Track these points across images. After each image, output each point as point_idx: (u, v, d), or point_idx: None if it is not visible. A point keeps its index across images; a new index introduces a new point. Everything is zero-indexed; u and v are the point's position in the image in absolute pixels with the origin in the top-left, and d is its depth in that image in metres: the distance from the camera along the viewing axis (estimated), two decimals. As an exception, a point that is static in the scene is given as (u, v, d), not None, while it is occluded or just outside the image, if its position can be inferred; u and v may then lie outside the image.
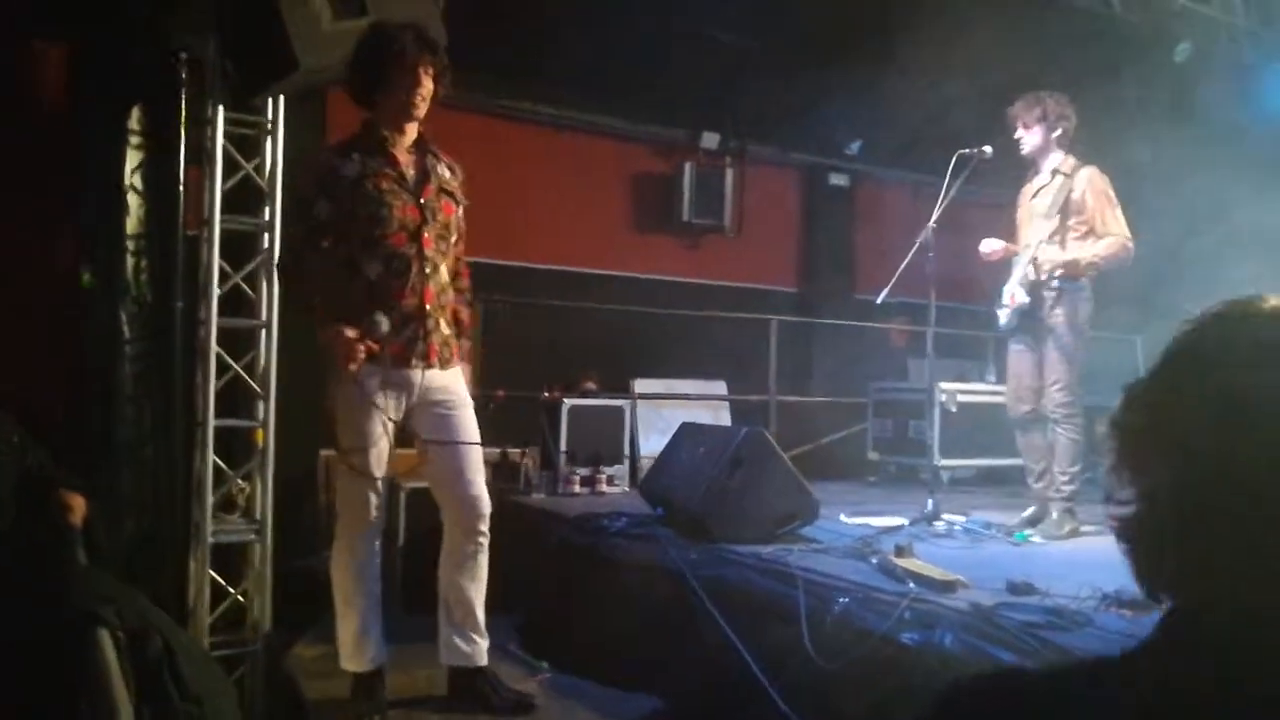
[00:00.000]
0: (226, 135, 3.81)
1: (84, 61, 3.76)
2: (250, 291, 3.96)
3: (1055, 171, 3.98)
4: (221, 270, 3.85)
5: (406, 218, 2.77)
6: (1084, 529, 3.93)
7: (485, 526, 2.85)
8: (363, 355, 2.64)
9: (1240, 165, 5.36)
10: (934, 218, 4.09)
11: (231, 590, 3.90)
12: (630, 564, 3.53)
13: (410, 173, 2.82)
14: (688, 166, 6.80)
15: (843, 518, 4.12)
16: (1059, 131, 3.97)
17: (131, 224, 3.72)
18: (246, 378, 3.93)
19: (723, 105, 6.74)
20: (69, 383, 3.76)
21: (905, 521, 3.99)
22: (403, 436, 2.88)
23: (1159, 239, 4.03)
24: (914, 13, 5.00)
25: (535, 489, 4.85)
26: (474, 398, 2.95)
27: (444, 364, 2.83)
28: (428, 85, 2.77)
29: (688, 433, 4.17)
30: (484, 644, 2.87)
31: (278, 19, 3.17)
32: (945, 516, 4.00)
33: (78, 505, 2.88)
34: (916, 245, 4.11)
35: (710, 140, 6.87)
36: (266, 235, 3.94)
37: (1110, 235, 3.88)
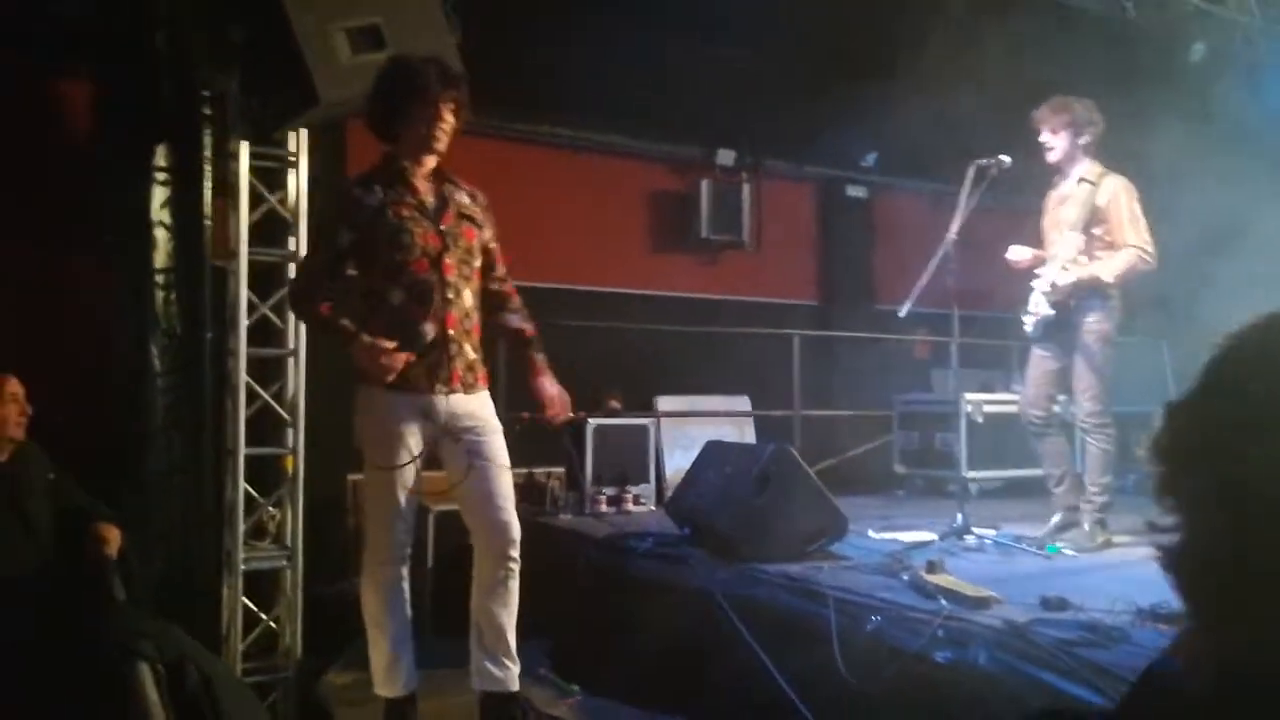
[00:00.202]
0: (251, 169, 3.88)
1: (109, 98, 3.85)
2: (278, 321, 4.02)
3: (1082, 180, 3.90)
4: (249, 301, 3.90)
5: (428, 244, 2.79)
6: (1116, 540, 3.89)
7: (516, 552, 2.85)
8: (400, 363, 2.66)
9: (1260, 165, 5.31)
10: (954, 229, 4.07)
11: (264, 617, 3.93)
12: (659, 585, 3.53)
13: (430, 200, 2.85)
14: (705, 183, 6.82)
15: (871, 533, 4.10)
16: (1086, 138, 3.89)
17: (160, 258, 3.80)
18: (275, 406, 3.98)
19: (737, 122, 6.76)
20: (101, 415, 3.82)
21: (935, 536, 3.95)
22: (430, 460, 2.89)
23: (1180, 243, 3.98)
24: (926, 22, 5.00)
25: (562, 510, 4.86)
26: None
27: (468, 388, 2.85)
28: (449, 119, 2.81)
29: (714, 451, 4.17)
30: (515, 669, 2.87)
31: (298, 54, 3.22)
32: (975, 530, 3.96)
33: (113, 537, 2.93)
34: (938, 258, 4.08)
35: (726, 157, 6.90)
36: (292, 265, 3.99)
37: (1126, 247, 3.81)
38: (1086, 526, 3.87)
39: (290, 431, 4.00)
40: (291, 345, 4.01)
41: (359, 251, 2.80)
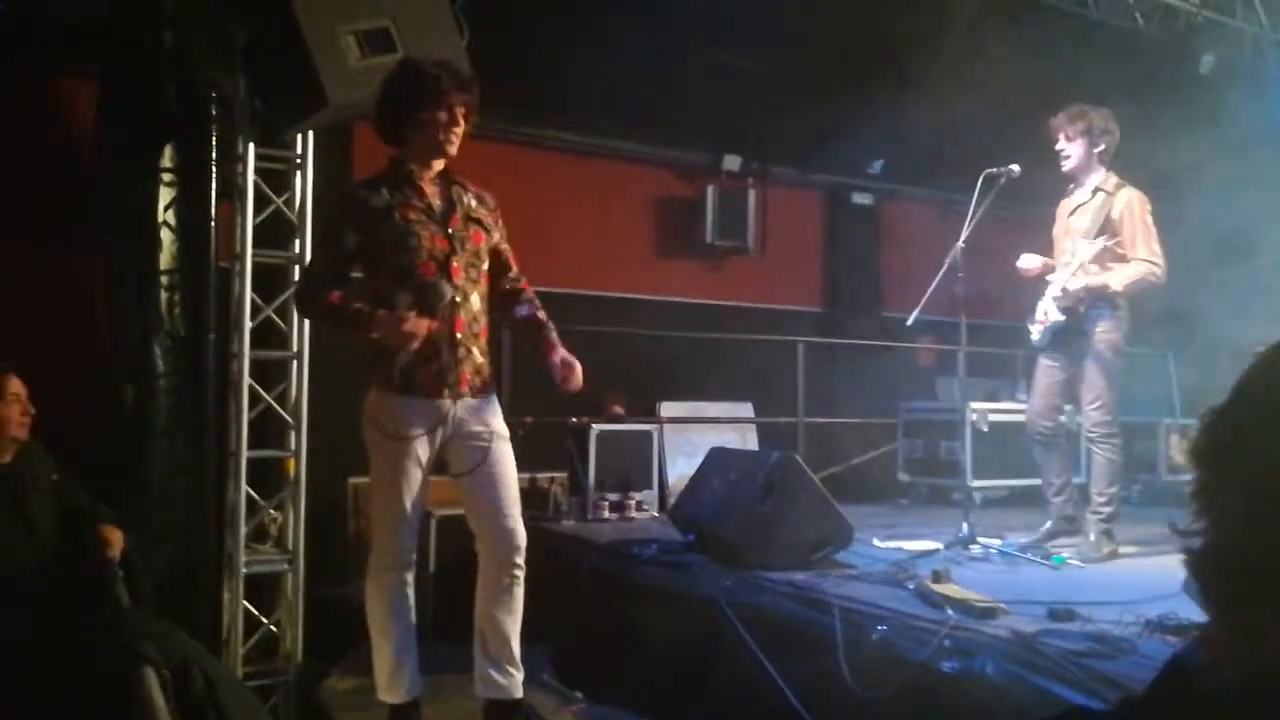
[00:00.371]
0: (257, 171, 3.88)
1: (114, 99, 3.84)
2: (281, 323, 4.01)
3: (1098, 189, 3.91)
4: (253, 303, 3.90)
5: (435, 248, 2.78)
6: (1123, 550, 3.87)
7: (521, 560, 2.84)
8: (424, 329, 2.64)
9: (1269, 176, 5.30)
10: (963, 237, 4.06)
11: (264, 620, 3.92)
12: (662, 592, 3.51)
13: (437, 203, 2.83)
14: (710, 189, 6.82)
15: (876, 542, 4.08)
16: (1102, 147, 3.88)
17: (164, 259, 3.79)
18: (278, 408, 3.97)
19: (744, 127, 6.76)
20: (103, 416, 3.81)
21: (940, 546, 3.94)
22: (437, 465, 2.88)
23: (1188, 253, 3.97)
24: (935, 29, 4.99)
25: (565, 515, 4.84)
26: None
27: (475, 393, 2.83)
28: (461, 123, 2.79)
29: (718, 458, 4.15)
30: (519, 676, 2.85)
31: (307, 56, 3.22)
32: (981, 540, 3.94)
33: (116, 539, 2.92)
34: (946, 266, 4.07)
35: (732, 163, 6.89)
36: (297, 268, 3.99)
37: (1137, 260, 3.81)
38: (1093, 537, 3.86)
39: (293, 434, 3.99)
40: (295, 348, 4.00)
41: (365, 254, 2.79)
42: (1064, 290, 3.84)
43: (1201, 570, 0.79)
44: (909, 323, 4.19)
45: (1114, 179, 3.93)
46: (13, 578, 2.67)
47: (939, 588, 2.90)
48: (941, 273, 4.09)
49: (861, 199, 7.47)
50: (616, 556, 3.90)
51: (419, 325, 2.64)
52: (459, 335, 2.79)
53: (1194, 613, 2.53)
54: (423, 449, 2.76)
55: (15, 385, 2.95)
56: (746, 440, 6.36)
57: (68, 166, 4.25)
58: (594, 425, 5.00)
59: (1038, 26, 5.10)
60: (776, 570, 3.31)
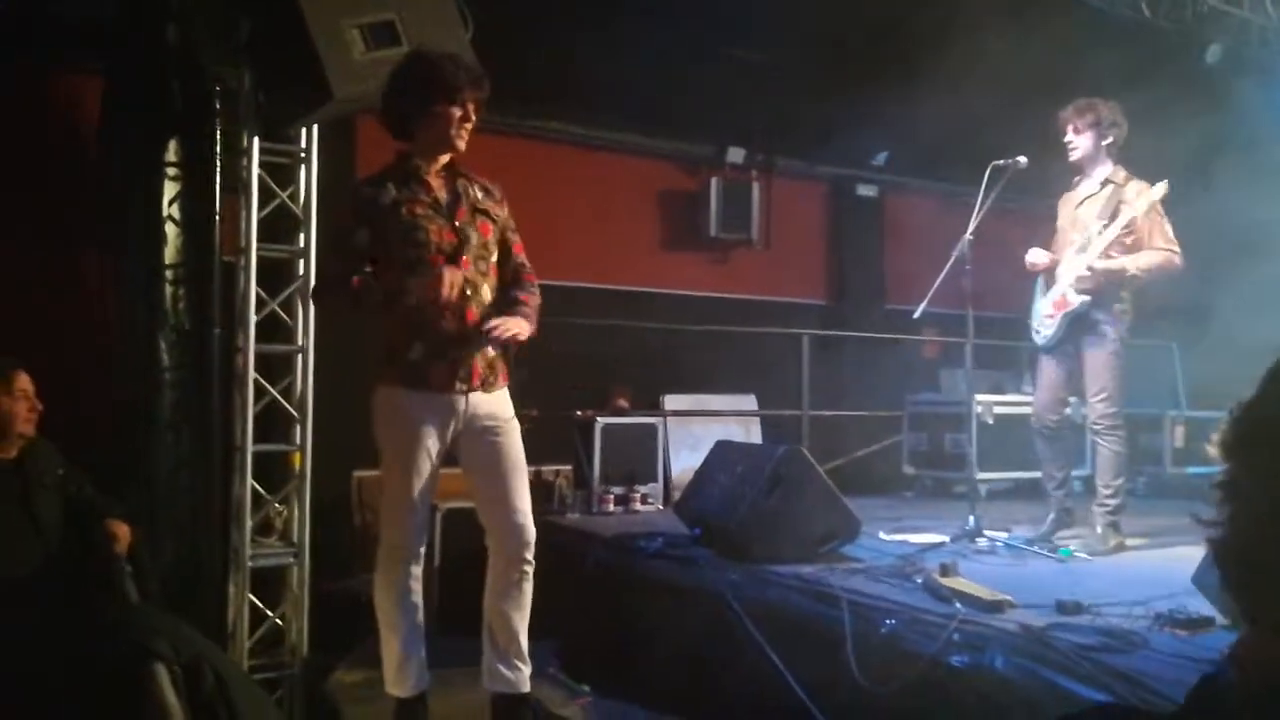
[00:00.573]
0: (261, 164, 3.86)
1: (118, 94, 3.83)
2: (286, 317, 4.00)
3: (1107, 181, 3.92)
4: (258, 297, 3.88)
5: (443, 241, 2.76)
6: (1129, 543, 3.87)
7: (530, 554, 2.83)
8: (460, 278, 2.63)
9: (1275, 167, 5.27)
10: (970, 230, 4.05)
11: (270, 614, 3.92)
12: (669, 585, 3.51)
13: (443, 196, 2.82)
14: (714, 181, 6.80)
15: (882, 535, 4.08)
16: (1110, 139, 3.91)
17: (169, 253, 3.78)
18: (284, 402, 3.96)
19: (748, 120, 6.73)
20: (109, 411, 3.81)
21: (946, 538, 3.94)
22: (447, 459, 2.87)
23: (1193, 245, 3.96)
24: (939, 21, 4.97)
25: (570, 508, 4.85)
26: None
27: (488, 387, 2.82)
28: (472, 118, 2.78)
29: (724, 451, 4.14)
30: (527, 671, 2.86)
31: (311, 50, 3.20)
32: (987, 532, 3.94)
33: (123, 534, 2.92)
34: (953, 258, 4.07)
35: (736, 155, 6.87)
36: (302, 262, 3.98)
37: (1158, 249, 3.83)
38: (1099, 529, 3.86)
39: (298, 428, 3.98)
40: (300, 342, 4.00)
41: (375, 251, 2.78)
42: (1090, 269, 3.82)
43: (1223, 559, 0.80)
44: (916, 315, 4.19)
45: (1122, 171, 3.94)
46: (20, 573, 2.67)
47: (947, 581, 2.90)
48: (949, 265, 4.08)
49: (866, 191, 7.45)
50: (622, 550, 3.90)
51: (453, 272, 2.62)
52: (470, 328, 2.77)
53: (1204, 606, 2.55)
54: (434, 443, 2.75)
55: (23, 380, 2.95)
56: (750, 433, 6.36)
57: (72, 163, 4.24)
58: (599, 418, 4.99)
59: (1043, 17, 5.07)
60: (783, 564, 3.32)
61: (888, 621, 2.70)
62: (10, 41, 4.15)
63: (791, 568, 3.27)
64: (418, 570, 2.85)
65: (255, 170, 3.84)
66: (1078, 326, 3.89)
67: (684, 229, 6.88)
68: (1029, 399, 4.49)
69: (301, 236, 3.99)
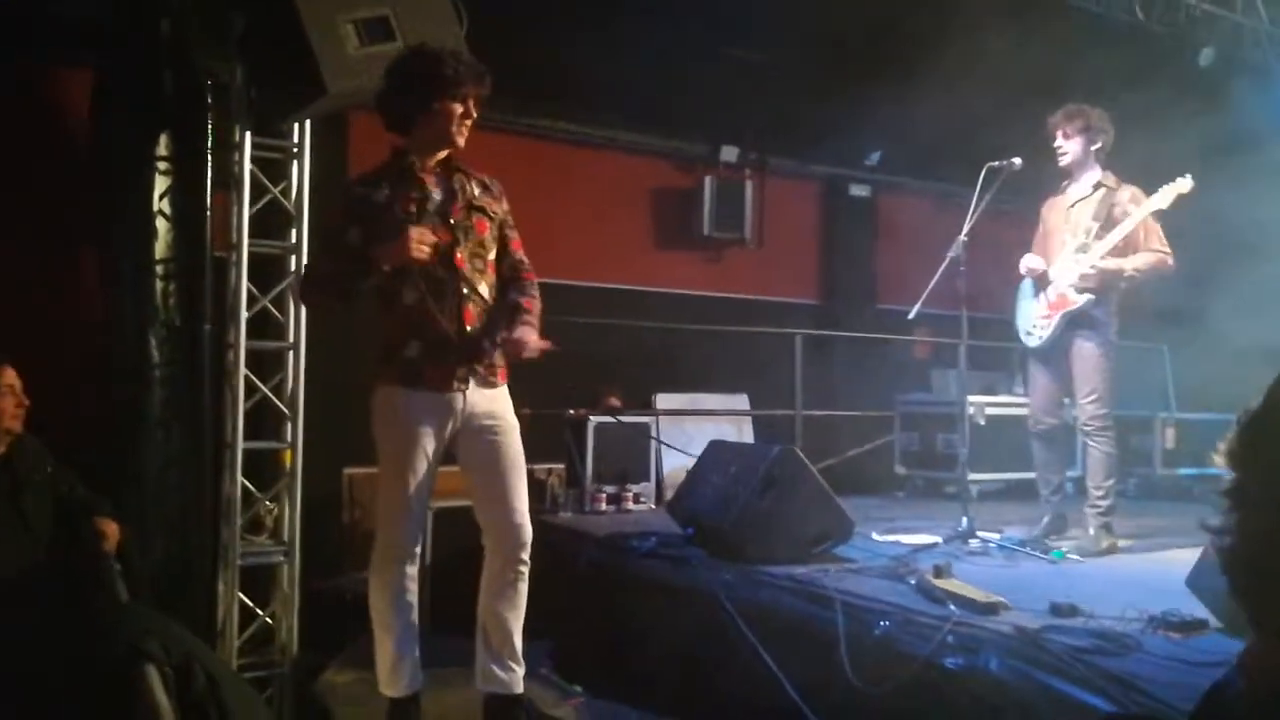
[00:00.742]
0: (253, 160, 3.84)
1: (110, 87, 3.79)
2: (278, 313, 3.97)
3: (1099, 185, 3.97)
4: (249, 293, 3.86)
5: (438, 239, 2.74)
6: (1121, 544, 3.88)
7: (526, 555, 2.82)
8: (431, 241, 2.60)
9: (1266, 171, 5.30)
10: (965, 231, 4.06)
11: (260, 612, 3.90)
12: (662, 586, 3.50)
13: (436, 194, 2.80)
14: (708, 180, 6.78)
15: (874, 535, 4.08)
16: (1099, 144, 3.97)
17: (160, 248, 3.74)
18: (274, 399, 3.94)
19: (742, 119, 6.72)
20: (98, 407, 3.78)
21: (939, 539, 3.94)
22: (444, 457, 2.85)
23: (1184, 248, 3.99)
24: (934, 23, 4.97)
25: (562, 508, 4.83)
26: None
27: (486, 384, 2.80)
28: (473, 115, 2.76)
29: (717, 451, 4.14)
30: (521, 671, 2.84)
31: (305, 45, 3.18)
32: (980, 534, 3.95)
33: (112, 532, 2.89)
34: (947, 260, 4.08)
35: (730, 154, 6.85)
36: (293, 258, 3.95)
37: (1153, 250, 3.87)
38: (1092, 531, 3.87)
39: (289, 425, 3.96)
40: (291, 338, 3.97)
41: (369, 249, 2.75)
42: (1095, 268, 3.84)
43: (1231, 567, 0.80)
44: (911, 315, 4.19)
45: (1113, 175, 4.00)
46: (9, 572, 2.65)
47: (941, 583, 2.90)
48: (943, 267, 4.09)
49: (859, 191, 7.44)
50: (615, 549, 3.89)
51: (419, 231, 2.60)
52: (468, 328, 2.76)
53: (1197, 609, 2.56)
54: (431, 443, 2.74)
55: (10, 376, 2.91)
56: (743, 433, 6.35)
57: (62, 160, 4.19)
58: (592, 417, 4.98)
59: (1037, 18, 5.08)
60: (777, 564, 3.31)
61: (882, 623, 2.70)
62: (8, 40, 4.11)
63: (785, 568, 3.26)
64: (413, 570, 2.83)
65: (247, 165, 3.82)
66: (1074, 325, 3.91)
67: (677, 228, 6.86)
68: (1021, 400, 4.51)
69: (293, 232, 3.97)
